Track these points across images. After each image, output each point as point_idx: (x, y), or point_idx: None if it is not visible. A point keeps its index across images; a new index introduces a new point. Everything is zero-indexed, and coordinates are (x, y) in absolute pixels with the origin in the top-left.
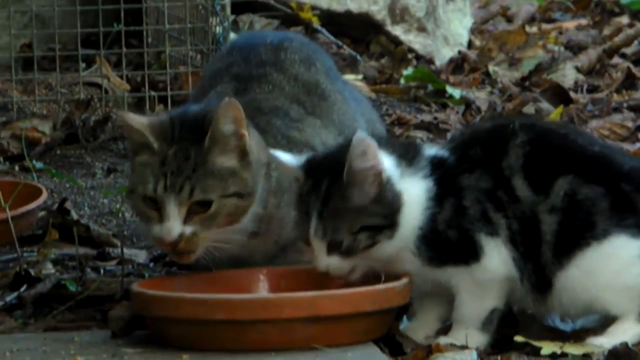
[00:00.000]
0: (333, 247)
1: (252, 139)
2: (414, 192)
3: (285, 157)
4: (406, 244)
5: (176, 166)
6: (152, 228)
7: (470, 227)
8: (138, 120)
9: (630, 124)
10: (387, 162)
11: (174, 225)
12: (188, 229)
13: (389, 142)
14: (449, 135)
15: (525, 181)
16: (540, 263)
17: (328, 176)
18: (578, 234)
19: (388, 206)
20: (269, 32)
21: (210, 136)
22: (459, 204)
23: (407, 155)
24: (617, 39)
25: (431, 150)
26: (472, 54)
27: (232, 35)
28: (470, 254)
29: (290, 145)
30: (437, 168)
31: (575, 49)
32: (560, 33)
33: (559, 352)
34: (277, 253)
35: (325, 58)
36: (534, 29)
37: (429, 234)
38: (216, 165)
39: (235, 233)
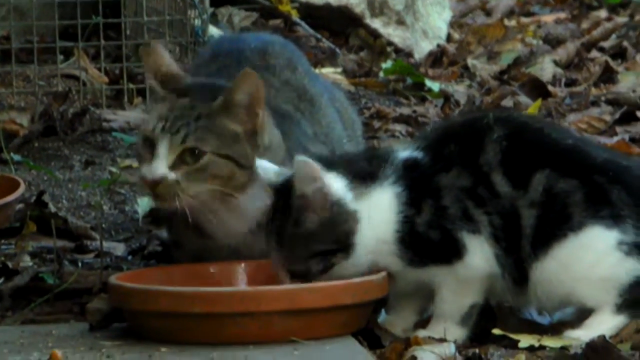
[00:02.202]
0: (292, 275)
1: (268, 129)
2: (378, 203)
3: (267, 169)
4: (376, 254)
5: (180, 113)
6: (141, 168)
7: (452, 227)
8: (170, 60)
9: (608, 118)
10: (337, 183)
11: (160, 166)
12: (172, 175)
13: (343, 160)
14: (427, 128)
15: (505, 177)
16: (520, 257)
17: (282, 202)
18: (555, 226)
19: (339, 229)
20: (249, 35)
21: (221, 100)
22: (438, 204)
23: (368, 168)
24: (596, 33)
25: (404, 153)
26: (451, 48)
27: (211, 28)
28: (453, 253)
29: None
30: (411, 170)
31: (554, 42)
32: (539, 27)
33: (536, 345)
34: None
35: (301, 58)
36: (512, 23)
37: (408, 237)
38: (219, 124)
39: (234, 215)
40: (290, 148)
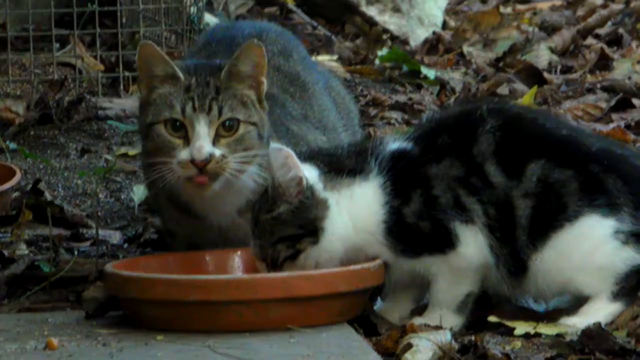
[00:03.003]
0: (267, 264)
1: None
2: (359, 194)
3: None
4: (362, 244)
5: (200, 91)
6: (177, 155)
7: (443, 217)
8: (162, 53)
9: (603, 105)
10: (309, 172)
11: (205, 144)
12: (217, 151)
13: (321, 153)
14: (423, 116)
15: (498, 167)
16: (515, 247)
17: (261, 195)
18: (551, 216)
19: (305, 215)
20: (243, 22)
21: (227, 70)
22: (429, 194)
23: (349, 160)
24: (591, 20)
25: (393, 144)
26: (447, 35)
27: (207, 16)
28: (445, 243)
29: (288, 137)
30: (398, 161)
31: (549, 29)
32: (535, 14)
33: (532, 332)
34: None
35: (299, 46)
36: (508, 10)
37: (396, 228)
38: (237, 90)
39: (228, 193)
40: (270, 126)
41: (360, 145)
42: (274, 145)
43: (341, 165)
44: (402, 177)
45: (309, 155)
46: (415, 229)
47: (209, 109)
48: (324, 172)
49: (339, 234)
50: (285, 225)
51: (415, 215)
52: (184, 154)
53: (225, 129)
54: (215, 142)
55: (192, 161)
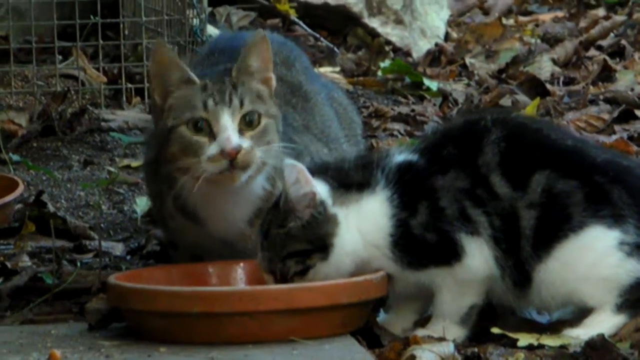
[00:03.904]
0: (275, 277)
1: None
2: (367, 208)
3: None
4: (368, 258)
5: (218, 87)
6: (205, 152)
7: (449, 228)
8: (177, 58)
9: (606, 116)
10: (319, 187)
11: (232, 135)
12: (245, 142)
13: (329, 167)
14: (426, 127)
15: (504, 178)
16: (520, 259)
17: (271, 208)
18: (555, 227)
19: (316, 231)
20: (246, 33)
21: (237, 67)
22: (435, 206)
23: (356, 174)
24: (594, 31)
25: (399, 156)
26: (449, 47)
27: (209, 28)
28: (451, 255)
29: (292, 148)
30: (405, 174)
31: (552, 41)
32: (537, 25)
33: (535, 343)
34: None
35: (301, 57)
36: (510, 21)
37: (403, 240)
38: (251, 85)
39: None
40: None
41: (366, 158)
42: (288, 161)
43: (349, 180)
44: (408, 190)
45: (319, 170)
46: (422, 240)
47: (230, 101)
48: (333, 188)
49: (349, 250)
50: (296, 240)
51: (422, 227)
52: (212, 149)
53: (247, 124)
54: (239, 134)
55: (222, 152)
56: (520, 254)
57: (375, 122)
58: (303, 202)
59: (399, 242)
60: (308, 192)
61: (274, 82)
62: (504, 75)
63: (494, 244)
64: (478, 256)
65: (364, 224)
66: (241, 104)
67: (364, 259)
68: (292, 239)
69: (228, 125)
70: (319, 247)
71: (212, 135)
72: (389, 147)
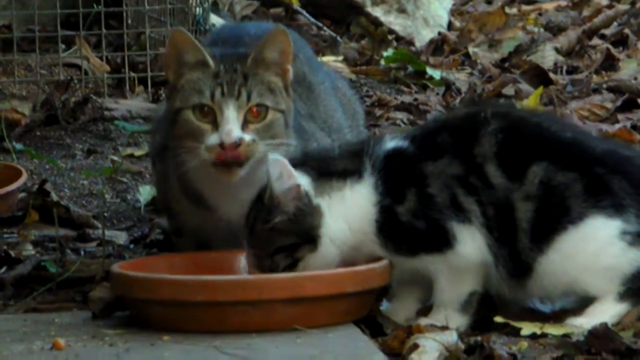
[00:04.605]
0: (263, 272)
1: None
2: (351, 196)
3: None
4: (357, 245)
5: (229, 77)
6: (206, 140)
7: (439, 216)
8: (195, 40)
9: (609, 105)
10: (302, 180)
11: (234, 127)
12: (246, 136)
13: (311, 157)
14: (428, 116)
15: (499, 168)
16: (516, 249)
17: (255, 204)
18: (555, 219)
19: (301, 224)
20: (249, 23)
21: (253, 57)
22: (424, 193)
23: (340, 163)
24: (597, 20)
25: (390, 143)
26: (452, 36)
27: (212, 17)
28: (442, 242)
29: (301, 134)
30: (392, 160)
31: (555, 30)
32: (540, 14)
33: (538, 332)
34: None
35: (305, 47)
36: (513, 10)
37: (387, 226)
38: (264, 77)
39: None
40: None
41: (356, 146)
42: (272, 156)
43: (330, 169)
44: (395, 175)
45: (298, 162)
46: (410, 227)
47: (237, 94)
48: (313, 179)
49: (335, 239)
50: (283, 235)
51: (410, 213)
52: (212, 139)
53: (254, 115)
54: (243, 127)
55: (221, 145)
56: (517, 245)
57: (378, 111)
58: (288, 195)
59: (384, 228)
60: (292, 185)
61: (290, 75)
62: (507, 64)
63: (486, 232)
64: (470, 243)
65: (348, 212)
66: (248, 97)
67: (353, 246)
68: (279, 233)
69: (231, 118)
70: (307, 240)
71: (215, 125)
72: (381, 134)
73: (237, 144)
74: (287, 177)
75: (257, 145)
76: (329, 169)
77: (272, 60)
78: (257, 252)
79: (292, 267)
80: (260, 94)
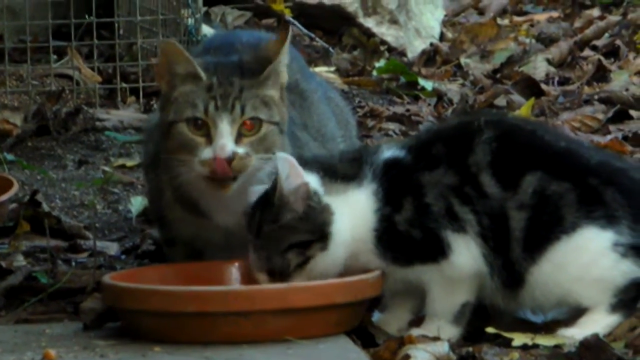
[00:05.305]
0: (273, 275)
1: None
2: (353, 201)
3: None
4: (355, 252)
5: (223, 90)
6: (200, 154)
7: (434, 225)
8: (186, 52)
9: (601, 116)
10: (311, 179)
11: (227, 142)
12: (240, 150)
13: (316, 160)
14: (420, 127)
15: (493, 178)
16: (510, 259)
17: (259, 205)
18: (548, 229)
19: (314, 220)
20: (242, 31)
21: (248, 67)
22: (420, 202)
23: (343, 167)
24: (588, 32)
25: (388, 152)
26: (444, 47)
27: (204, 28)
28: (437, 252)
29: (294, 142)
30: (391, 169)
31: (547, 41)
32: (532, 25)
33: (530, 343)
34: None
35: (297, 56)
36: (505, 22)
37: (387, 235)
38: (260, 90)
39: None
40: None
41: (355, 153)
42: (281, 154)
43: (336, 171)
44: (394, 185)
45: (307, 162)
46: (407, 236)
47: (231, 107)
48: (322, 178)
49: (343, 239)
50: (295, 232)
51: (407, 222)
52: (206, 153)
53: (248, 128)
54: (237, 141)
55: (215, 159)
56: (510, 255)
57: (370, 122)
58: (297, 194)
59: (383, 237)
60: (300, 184)
61: (285, 78)
62: (498, 75)
63: (481, 242)
64: (465, 253)
65: (351, 215)
66: (242, 110)
67: (352, 252)
68: (291, 230)
69: (225, 132)
70: (319, 237)
71: (209, 138)
72: (378, 143)
73: (231, 158)
74: (295, 176)
75: (251, 159)
76: (334, 170)
77: (268, 72)
78: (267, 252)
79: (302, 265)
80: (254, 107)
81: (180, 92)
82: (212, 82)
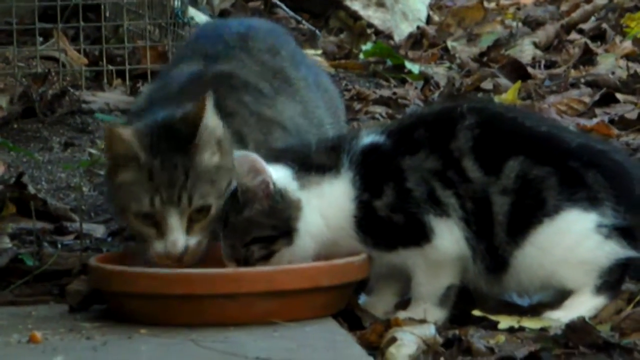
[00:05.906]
0: (239, 264)
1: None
2: (330, 190)
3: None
4: (336, 240)
5: (167, 178)
6: (153, 245)
7: (416, 210)
8: (125, 132)
9: (587, 100)
10: (280, 173)
11: (178, 237)
12: (192, 240)
13: (291, 151)
14: (407, 110)
15: (476, 163)
16: (493, 243)
17: (230, 196)
18: (531, 212)
19: (278, 216)
20: (234, 20)
21: (198, 136)
22: (401, 187)
23: (319, 157)
24: (575, 15)
25: (367, 138)
26: (431, 30)
27: (191, 10)
28: (420, 236)
29: (260, 123)
30: (370, 155)
31: (533, 24)
32: (519, 9)
33: (516, 326)
34: None
35: (289, 42)
36: (492, 5)
37: (366, 221)
38: (204, 167)
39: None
40: (242, 120)
41: (333, 141)
42: (238, 152)
43: (310, 162)
44: (373, 170)
45: (279, 155)
46: (388, 222)
47: (178, 200)
48: (295, 171)
49: (312, 233)
50: (259, 226)
51: (388, 208)
52: (159, 247)
53: (198, 214)
54: (189, 229)
55: (168, 255)
56: (494, 239)
57: (357, 105)
58: (259, 190)
59: (363, 223)
60: (262, 181)
61: (220, 132)
62: (485, 59)
63: (464, 226)
64: (448, 237)
65: (326, 207)
66: (190, 202)
67: (330, 240)
68: (255, 225)
69: (175, 227)
70: (283, 233)
71: (160, 231)
72: (357, 129)
73: (184, 253)
74: (257, 173)
75: (204, 243)
76: (308, 162)
77: (207, 138)
78: (232, 242)
79: (266, 258)
80: (201, 196)
81: (123, 179)
82: (152, 166)
